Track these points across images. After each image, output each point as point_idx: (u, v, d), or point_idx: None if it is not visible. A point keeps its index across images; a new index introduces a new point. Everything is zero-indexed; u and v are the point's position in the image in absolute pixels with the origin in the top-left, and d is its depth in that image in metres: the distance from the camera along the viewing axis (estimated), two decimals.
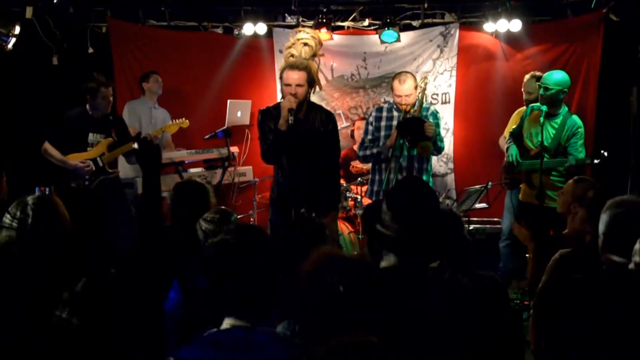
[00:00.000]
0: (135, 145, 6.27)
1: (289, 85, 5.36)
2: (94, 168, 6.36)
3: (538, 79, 6.55)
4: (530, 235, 4.32)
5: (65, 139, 6.46)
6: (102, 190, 6.16)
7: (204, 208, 4.04)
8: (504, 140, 7.12)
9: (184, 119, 6.92)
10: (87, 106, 6.42)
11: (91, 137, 6.43)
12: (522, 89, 7.05)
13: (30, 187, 5.80)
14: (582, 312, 2.70)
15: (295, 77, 5.35)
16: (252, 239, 2.52)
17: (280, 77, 5.53)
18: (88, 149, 6.42)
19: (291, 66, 5.47)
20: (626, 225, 2.95)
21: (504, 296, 3.06)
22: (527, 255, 4.50)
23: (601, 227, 3.04)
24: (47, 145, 6.44)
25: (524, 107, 7.07)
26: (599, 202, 3.48)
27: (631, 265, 2.72)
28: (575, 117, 6.09)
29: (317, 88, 6.04)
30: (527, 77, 7.04)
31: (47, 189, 5.74)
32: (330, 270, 2.36)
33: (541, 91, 5.97)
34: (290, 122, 5.22)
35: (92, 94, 6.35)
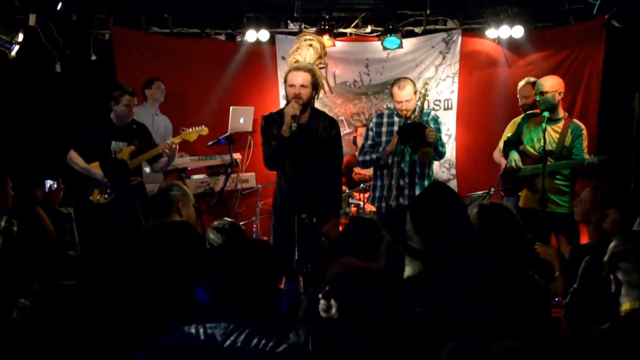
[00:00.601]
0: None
1: (293, 86, 5.35)
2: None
3: (533, 84, 6.57)
4: (556, 252, 4.26)
5: (88, 147, 6.46)
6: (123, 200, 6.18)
7: None
8: (498, 153, 7.13)
9: (203, 126, 6.85)
10: (111, 114, 6.42)
11: (114, 144, 6.41)
12: (518, 95, 7.04)
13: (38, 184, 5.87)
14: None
15: (300, 78, 5.35)
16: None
17: (285, 80, 5.52)
18: (112, 157, 6.41)
19: (296, 68, 5.48)
20: None
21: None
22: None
23: None
24: (73, 154, 6.43)
25: (519, 118, 7.09)
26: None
27: None
28: (576, 121, 6.12)
29: (322, 93, 6.03)
30: (521, 82, 7.03)
31: (55, 182, 5.80)
32: (355, 282, 2.37)
33: (538, 97, 5.98)
34: (293, 128, 5.21)
35: (115, 100, 6.35)
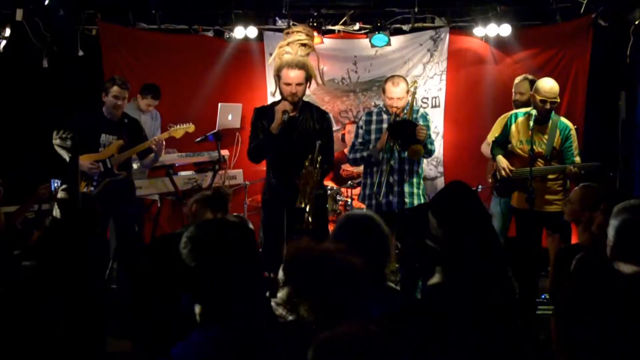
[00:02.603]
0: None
1: (289, 84, 5.37)
2: (102, 169, 6.33)
3: (532, 82, 6.57)
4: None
5: (78, 139, 6.44)
6: (109, 192, 6.18)
7: None
8: (487, 147, 7.15)
9: (190, 123, 6.85)
10: (103, 108, 6.40)
11: (103, 138, 6.40)
12: (513, 90, 7.02)
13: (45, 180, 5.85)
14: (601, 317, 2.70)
15: (296, 76, 5.37)
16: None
17: (277, 75, 5.51)
18: (100, 149, 6.40)
19: (289, 65, 5.47)
20: (634, 232, 2.85)
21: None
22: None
23: (610, 234, 2.93)
24: None
25: (508, 114, 7.10)
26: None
27: None
28: (564, 120, 6.11)
29: (315, 84, 6.06)
30: (519, 78, 7.01)
31: (60, 182, 5.79)
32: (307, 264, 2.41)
33: (547, 106, 5.91)
34: (285, 119, 5.26)
35: (105, 91, 6.33)
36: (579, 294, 3.32)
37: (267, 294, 2.75)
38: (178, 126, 6.81)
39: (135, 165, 6.83)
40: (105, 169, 6.35)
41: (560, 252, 4.35)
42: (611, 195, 4.20)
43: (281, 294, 2.52)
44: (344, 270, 2.44)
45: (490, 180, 6.62)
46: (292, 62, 5.54)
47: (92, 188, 6.24)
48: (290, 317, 2.46)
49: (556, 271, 4.15)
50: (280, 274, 2.54)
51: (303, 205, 5.07)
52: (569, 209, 4.53)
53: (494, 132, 7.08)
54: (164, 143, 6.54)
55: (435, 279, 2.71)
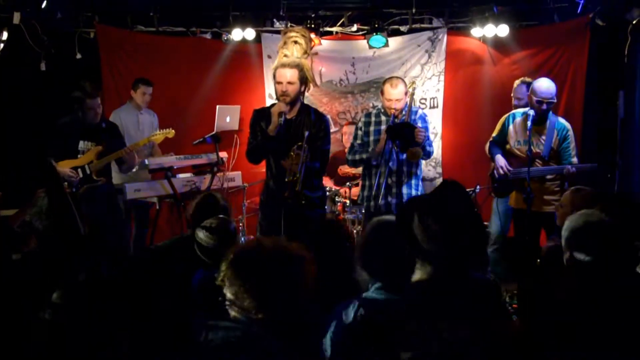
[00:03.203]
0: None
1: (280, 83, 5.38)
2: (80, 176, 6.36)
3: (528, 84, 6.59)
4: None
5: (57, 146, 6.46)
6: (88, 198, 6.17)
7: None
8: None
9: (170, 129, 6.90)
10: (80, 113, 6.41)
11: (82, 144, 6.41)
12: (512, 95, 7.05)
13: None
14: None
15: (287, 74, 5.36)
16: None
17: (274, 77, 5.53)
18: (79, 156, 6.40)
19: (283, 64, 5.49)
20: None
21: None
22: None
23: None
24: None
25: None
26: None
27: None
28: (562, 120, 6.12)
29: (310, 87, 6.06)
30: (517, 82, 7.04)
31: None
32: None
33: (544, 107, 5.92)
34: (280, 122, 5.26)
35: (78, 103, 6.34)
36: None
37: None
38: (159, 131, 6.87)
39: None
40: (84, 175, 6.37)
41: (546, 252, 4.39)
42: (606, 196, 4.22)
43: (228, 294, 2.51)
44: (283, 263, 2.49)
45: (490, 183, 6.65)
46: (286, 61, 5.58)
47: (73, 189, 6.24)
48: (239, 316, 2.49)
49: (545, 270, 4.18)
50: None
51: (293, 179, 5.17)
52: (561, 212, 4.56)
53: (498, 130, 7.10)
54: (134, 152, 6.55)
55: (417, 276, 2.68)
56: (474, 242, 2.69)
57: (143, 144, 6.72)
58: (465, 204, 2.85)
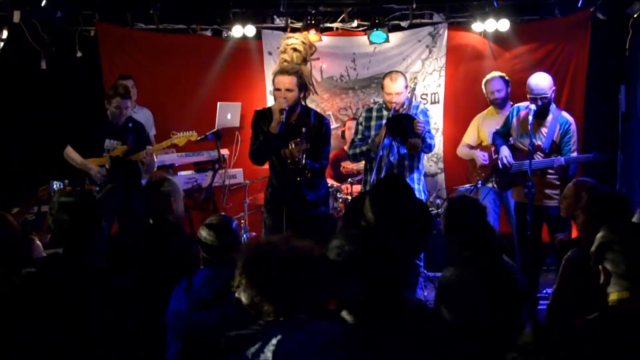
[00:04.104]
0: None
1: (279, 90, 5.39)
2: (105, 174, 6.33)
3: (501, 77, 6.93)
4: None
5: (83, 143, 6.46)
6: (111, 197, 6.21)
7: None
8: (462, 149, 7.24)
9: (193, 131, 6.79)
10: (107, 112, 6.40)
11: (107, 143, 6.40)
12: (487, 90, 7.11)
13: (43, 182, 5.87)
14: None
15: (286, 81, 5.37)
16: None
17: (273, 82, 5.54)
18: (104, 154, 6.39)
19: (281, 71, 5.51)
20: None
21: None
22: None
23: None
24: (69, 149, 6.44)
25: (484, 112, 7.14)
26: (595, 205, 3.53)
27: None
28: (564, 114, 6.11)
29: (310, 93, 6.07)
30: (488, 76, 7.11)
31: (61, 184, 5.79)
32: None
33: (539, 103, 5.91)
34: (282, 120, 5.25)
35: (108, 100, 6.34)
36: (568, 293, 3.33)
37: None
38: (181, 134, 6.78)
39: None
40: (109, 173, 6.36)
41: (556, 248, 4.39)
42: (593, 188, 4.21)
43: (243, 298, 2.51)
44: (297, 260, 2.48)
45: (476, 179, 6.71)
46: (285, 68, 5.60)
47: (96, 189, 6.25)
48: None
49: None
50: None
51: (295, 161, 5.24)
52: (565, 204, 4.59)
53: (470, 132, 7.17)
54: (153, 154, 6.51)
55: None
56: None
57: (165, 147, 6.67)
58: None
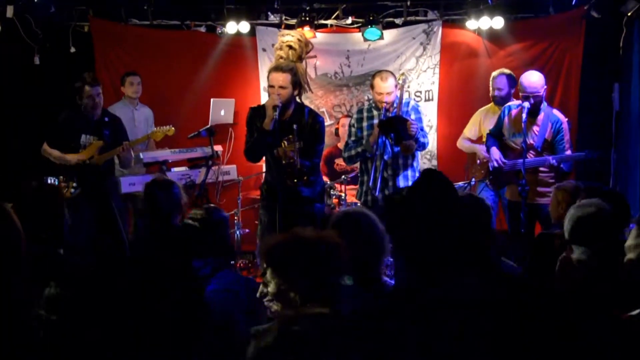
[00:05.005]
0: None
1: (272, 87, 5.39)
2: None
3: (507, 75, 6.86)
4: None
5: (59, 139, 6.45)
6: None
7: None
8: (463, 143, 7.22)
9: (170, 126, 6.85)
10: (81, 105, 6.39)
11: (83, 138, 6.39)
12: (491, 85, 7.09)
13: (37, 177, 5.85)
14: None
15: (280, 79, 5.38)
16: None
17: (267, 79, 5.55)
18: (80, 150, 6.37)
19: (275, 68, 5.52)
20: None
21: None
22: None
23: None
24: (45, 146, 6.45)
25: (487, 107, 7.14)
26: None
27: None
28: (556, 112, 6.13)
29: (304, 91, 6.08)
30: (495, 73, 7.10)
31: (56, 179, 5.79)
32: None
33: (531, 101, 5.92)
34: (275, 116, 5.24)
35: (78, 93, 6.32)
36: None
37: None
38: (158, 129, 6.82)
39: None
40: (86, 169, 6.35)
41: (537, 239, 4.44)
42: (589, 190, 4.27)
43: (270, 288, 2.56)
44: (321, 249, 2.54)
45: (475, 175, 6.71)
46: (279, 65, 5.61)
47: (72, 190, 6.23)
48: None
49: (534, 256, 4.22)
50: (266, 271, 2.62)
51: (289, 161, 5.26)
52: (552, 209, 4.72)
53: (470, 125, 7.17)
54: (129, 148, 6.50)
55: None
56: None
57: (142, 142, 6.68)
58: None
